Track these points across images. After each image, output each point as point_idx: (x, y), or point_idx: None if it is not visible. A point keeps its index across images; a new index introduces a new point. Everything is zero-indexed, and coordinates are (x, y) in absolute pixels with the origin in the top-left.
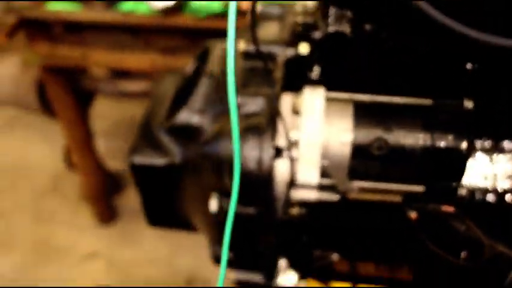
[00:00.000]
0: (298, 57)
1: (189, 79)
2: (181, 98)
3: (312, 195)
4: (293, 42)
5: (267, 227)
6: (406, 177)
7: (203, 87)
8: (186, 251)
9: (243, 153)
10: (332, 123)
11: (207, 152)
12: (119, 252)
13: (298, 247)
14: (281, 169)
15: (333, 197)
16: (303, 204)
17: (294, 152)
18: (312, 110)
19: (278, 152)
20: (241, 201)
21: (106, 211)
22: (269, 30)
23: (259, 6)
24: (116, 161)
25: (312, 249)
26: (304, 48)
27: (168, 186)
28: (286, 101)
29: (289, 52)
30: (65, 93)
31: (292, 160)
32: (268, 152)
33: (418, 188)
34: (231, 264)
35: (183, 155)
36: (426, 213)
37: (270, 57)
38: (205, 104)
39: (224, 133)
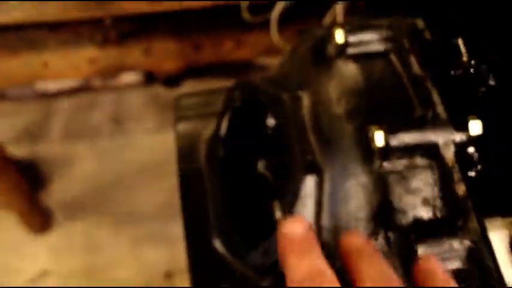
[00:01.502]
0: (470, 144)
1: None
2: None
3: None
4: (453, 118)
5: None
6: None
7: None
8: (152, 242)
9: None
10: None
11: None
12: (72, 262)
13: None
14: None
15: None
16: None
17: None
18: None
19: None
20: None
21: (36, 216)
22: (385, 94)
23: (338, 34)
24: (18, 147)
25: None
26: (476, 126)
27: None
28: (496, 237)
29: (457, 137)
30: None
31: None
32: None
33: None
34: None
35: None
36: None
37: (432, 154)
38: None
39: None
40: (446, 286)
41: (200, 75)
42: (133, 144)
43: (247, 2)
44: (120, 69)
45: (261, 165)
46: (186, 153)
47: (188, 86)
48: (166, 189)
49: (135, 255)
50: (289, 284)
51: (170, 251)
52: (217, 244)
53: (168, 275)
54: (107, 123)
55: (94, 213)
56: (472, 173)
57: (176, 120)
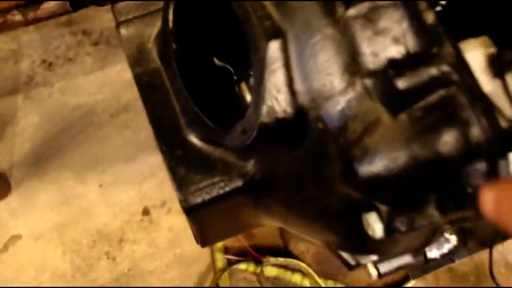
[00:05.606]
0: None
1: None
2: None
3: None
4: None
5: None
6: None
7: None
8: (119, 185)
9: None
10: None
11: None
12: (41, 221)
13: None
14: None
15: None
16: None
17: None
18: None
19: None
20: None
21: None
22: None
23: None
24: None
25: None
26: None
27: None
28: (472, 56)
29: None
30: None
31: None
32: None
33: None
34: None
35: (260, 169)
36: None
37: None
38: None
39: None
40: None
41: None
42: (75, 86)
43: None
44: None
45: (217, 59)
46: (136, 57)
47: None
48: (121, 128)
49: (106, 201)
50: None
51: (139, 189)
52: (193, 138)
53: (146, 212)
54: (38, 69)
55: (51, 168)
56: (438, 8)
57: (118, 26)
